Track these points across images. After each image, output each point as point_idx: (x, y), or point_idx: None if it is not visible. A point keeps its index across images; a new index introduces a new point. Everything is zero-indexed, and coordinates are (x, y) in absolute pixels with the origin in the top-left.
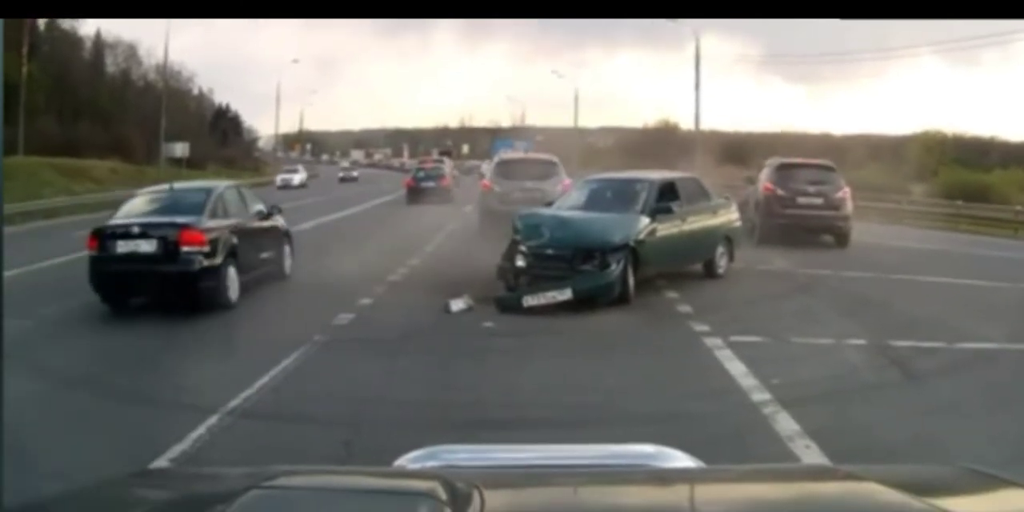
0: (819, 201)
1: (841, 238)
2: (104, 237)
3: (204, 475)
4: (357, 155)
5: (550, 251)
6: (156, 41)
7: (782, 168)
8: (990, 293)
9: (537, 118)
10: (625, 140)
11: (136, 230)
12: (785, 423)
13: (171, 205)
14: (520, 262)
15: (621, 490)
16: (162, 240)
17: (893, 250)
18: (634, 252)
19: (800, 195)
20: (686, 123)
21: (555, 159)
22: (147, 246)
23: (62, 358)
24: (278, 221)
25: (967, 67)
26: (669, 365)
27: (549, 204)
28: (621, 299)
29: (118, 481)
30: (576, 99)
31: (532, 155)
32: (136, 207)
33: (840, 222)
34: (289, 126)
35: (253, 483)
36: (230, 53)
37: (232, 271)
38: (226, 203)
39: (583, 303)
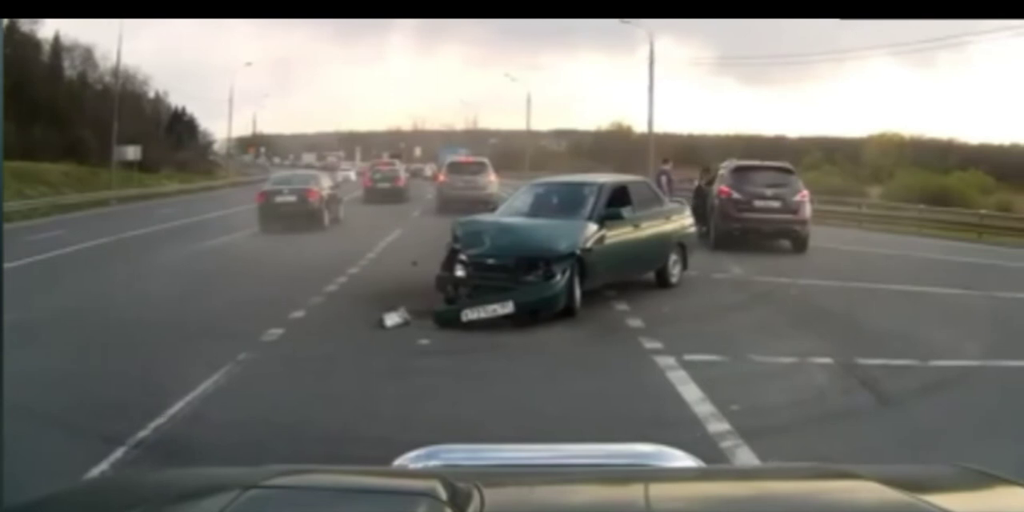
0: (776, 205)
1: (799, 243)
2: (266, 195)
3: (204, 474)
4: (309, 158)
5: (491, 260)
6: (113, 44)
7: (738, 171)
8: (959, 302)
9: (490, 121)
10: (578, 143)
11: (286, 191)
12: (746, 459)
13: (297, 179)
14: (459, 272)
15: (621, 490)
16: (300, 195)
17: (853, 255)
18: (581, 261)
19: (757, 198)
20: (639, 126)
21: (486, 160)
22: (291, 198)
23: None
24: (337, 190)
25: (923, 69)
26: (617, 389)
27: (493, 209)
28: (567, 312)
29: (117, 480)
30: (528, 102)
31: (471, 158)
32: (276, 181)
33: (798, 226)
34: (245, 129)
35: (253, 483)
36: (185, 56)
37: (326, 212)
38: (320, 179)
39: (526, 316)
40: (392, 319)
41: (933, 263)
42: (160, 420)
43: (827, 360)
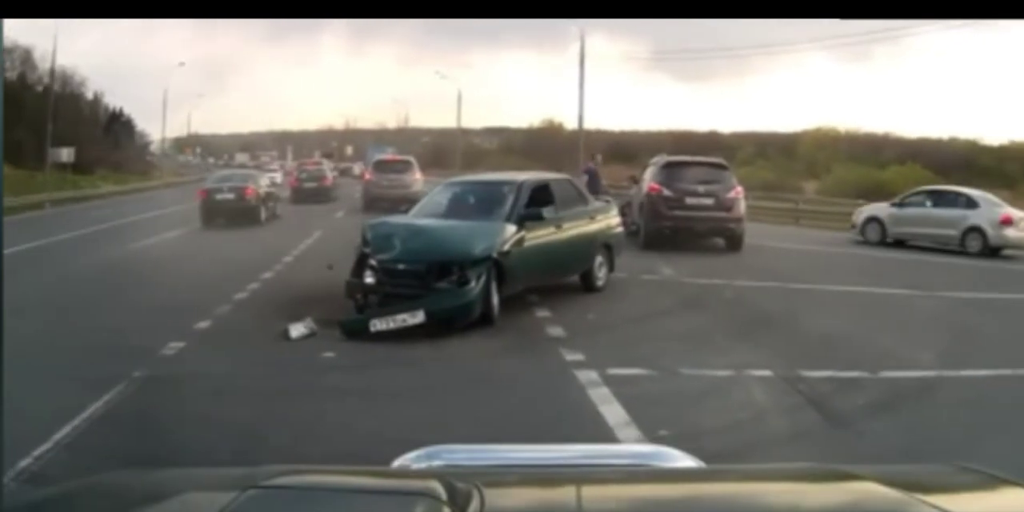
0: (709, 202)
1: (733, 241)
2: (207, 192)
3: (204, 474)
4: (242, 158)
5: (401, 266)
6: (52, 45)
7: (669, 166)
8: (906, 303)
9: (422, 119)
10: (510, 141)
11: (226, 188)
12: None
13: (236, 178)
14: (369, 278)
15: (621, 490)
16: (238, 193)
17: (791, 254)
18: (498, 265)
19: (689, 195)
20: (571, 123)
21: (411, 159)
22: (231, 195)
23: None
24: (275, 188)
25: (858, 63)
26: (532, 410)
27: (406, 210)
28: (484, 320)
29: (117, 480)
30: (459, 100)
31: (397, 156)
32: (216, 180)
33: (732, 224)
34: (181, 129)
35: (253, 483)
36: (120, 57)
37: (263, 208)
38: (258, 178)
39: (440, 326)
40: (298, 330)
41: (875, 261)
42: (45, 446)
43: (767, 373)
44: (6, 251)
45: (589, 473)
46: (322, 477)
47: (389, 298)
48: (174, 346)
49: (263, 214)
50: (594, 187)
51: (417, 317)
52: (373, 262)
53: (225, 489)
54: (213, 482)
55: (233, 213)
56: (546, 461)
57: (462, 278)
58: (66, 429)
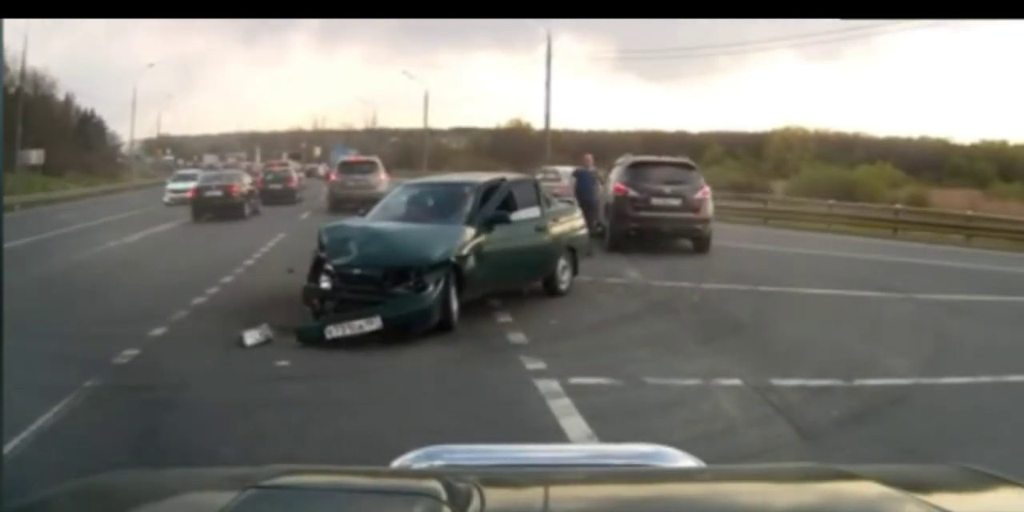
0: (676, 202)
1: (701, 243)
2: (198, 190)
3: (204, 474)
4: (211, 159)
5: (358, 270)
6: (22, 47)
7: (635, 167)
8: (880, 307)
9: (390, 120)
10: (478, 141)
11: (214, 186)
12: None
13: (223, 177)
14: (325, 283)
15: (621, 490)
16: (225, 190)
17: (760, 255)
18: (457, 270)
19: (655, 196)
20: (539, 123)
21: (376, 159)
22: (219, 193)
23: None
24: (255, 187)
25: (827, 62)
26: (488, 424)
27: (363, 214)
28: (442, 327)
29: (117, 480)
30: (426, 100)
31: (361, 157)
32: (205, 178)
33: (699, 225)
34: (152, 131)
35: (253, 483)
36: (90, 58)
37: (247, 204)
38: (242, 177)
39: (398, 332)
40: (253, 337)
41: (847, 262)
42: None
43: (736, 382)
44: None
45: (589, 473)
46: (322, 477)
47: (346, 304)
48: (128, 354)
49: (247, 210)
50: (587, 190)
51: (374, 323)
52: (329, 267)
53: (225, 489)
54: (213, 482)
55: (220, 209)
56: (546, 461)
57: (419, 283)
58: (15, 441)
